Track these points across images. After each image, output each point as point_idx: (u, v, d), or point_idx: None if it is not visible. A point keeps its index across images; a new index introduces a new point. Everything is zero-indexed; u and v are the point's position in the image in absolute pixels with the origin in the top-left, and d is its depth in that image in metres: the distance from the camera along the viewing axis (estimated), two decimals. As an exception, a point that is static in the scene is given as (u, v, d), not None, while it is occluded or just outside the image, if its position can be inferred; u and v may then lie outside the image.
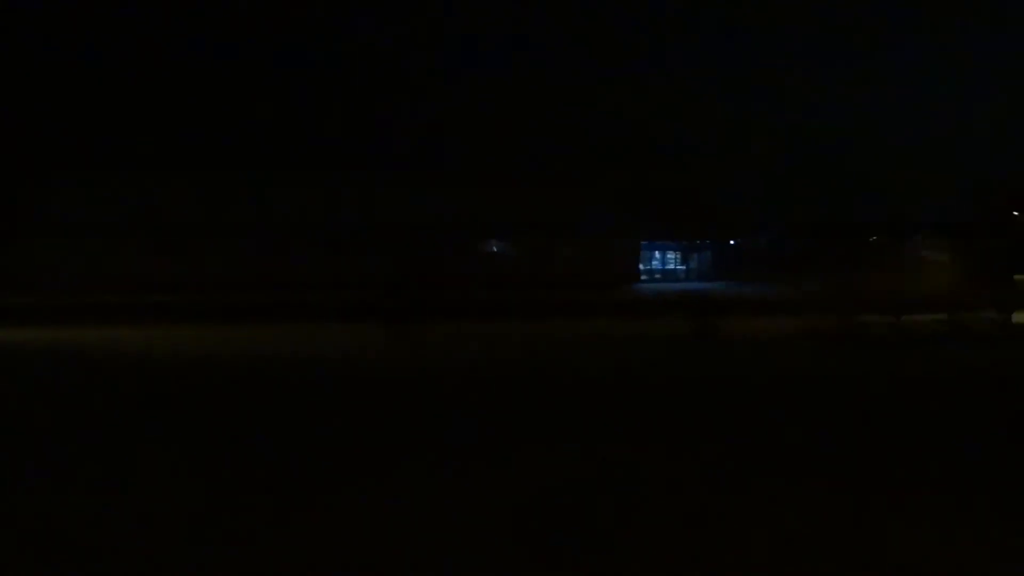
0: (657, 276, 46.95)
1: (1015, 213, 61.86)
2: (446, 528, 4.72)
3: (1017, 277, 20.43)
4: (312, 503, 5.30)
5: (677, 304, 19.32)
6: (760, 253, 55.97)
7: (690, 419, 8.08)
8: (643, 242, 47.57)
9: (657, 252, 50.40)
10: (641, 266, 47.78)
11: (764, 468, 6.14)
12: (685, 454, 6.57)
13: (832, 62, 66.74)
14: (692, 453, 6.61)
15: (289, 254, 37.89)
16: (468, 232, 41.66)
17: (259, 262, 36.71)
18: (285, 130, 44.27)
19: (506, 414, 8.33)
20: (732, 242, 55.72)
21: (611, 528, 4.70)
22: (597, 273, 40.82)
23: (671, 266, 49.19)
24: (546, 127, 50.68)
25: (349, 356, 13.77)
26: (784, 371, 11.63)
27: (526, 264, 40.70)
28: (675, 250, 50.77)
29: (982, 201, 51.78)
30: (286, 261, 37.35)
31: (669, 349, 14.38)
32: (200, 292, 27.64)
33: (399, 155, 44.77)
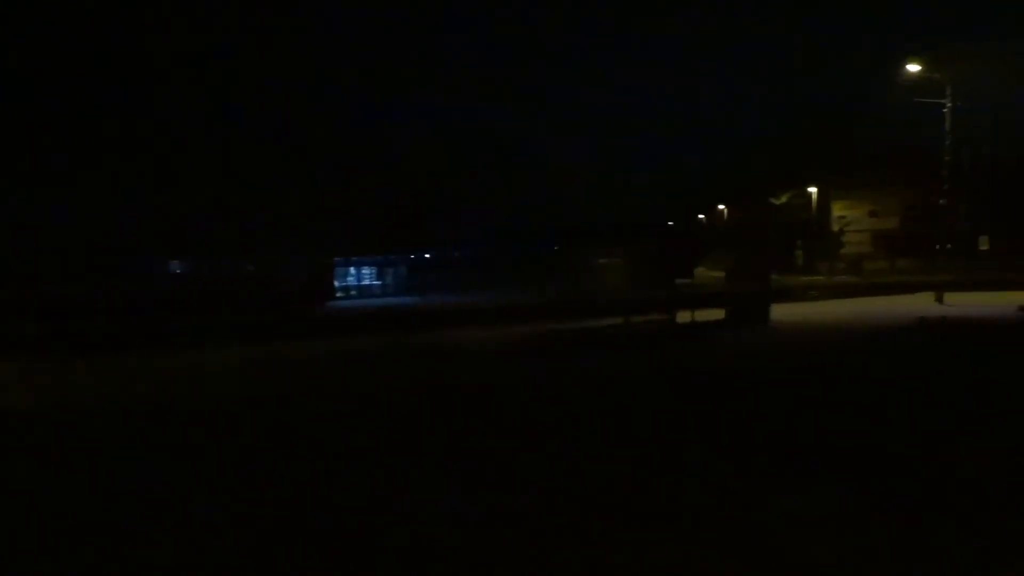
0: (353, 292, 46.10)
1: (700, 216, 69.69)
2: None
3: (681, 281, 22.40)
4: None
5: (369, 320, 18.59)
6: (454, 265, 57.29)
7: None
8: (337, 258, 46.52)
9: (352, 268, 49.62)
10: (336, 282, 46.65)
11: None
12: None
13: (528, 74, 70.54)
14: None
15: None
16: (140, 249, 37.59)
17: None
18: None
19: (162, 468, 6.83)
20: (427, 256, 56.47)
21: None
22: (290, 291, 38.95)
23: (367, 281, 48.65)
24: (237, 138, 47.53)
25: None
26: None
27: (210, 283, 37.57)
28: (371, 265, 50.32)
29: (669, 204, 57.61)
30: None
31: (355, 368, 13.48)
32: None
33: (49, 163, 39.08)
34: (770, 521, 4.97)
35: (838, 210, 55.93)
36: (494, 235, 57.07)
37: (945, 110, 26.60)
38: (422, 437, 7.76)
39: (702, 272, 39.13)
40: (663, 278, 24.41)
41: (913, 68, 27.41)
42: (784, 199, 56.61)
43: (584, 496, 5.61)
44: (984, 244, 39.75)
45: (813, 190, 56.17)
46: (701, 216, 70.49)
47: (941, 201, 28.81)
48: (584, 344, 15.64)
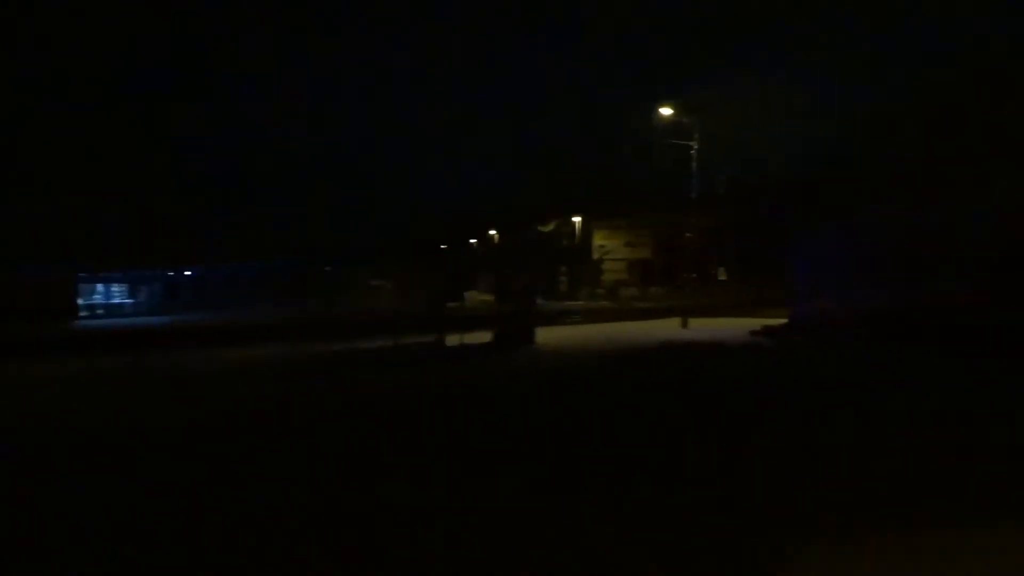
0: (100, 311, 42.05)
1: (473, 240, 70.68)
2: None
3: (452, 304, 22.50)
4: None
5: (100, 341, 16.96)
6: (218, 282, 54.13)
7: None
8: (82, 273, 42.28)
9: (100, 284, 45.39)
10: (81, 300, 42.35)
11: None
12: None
13: (302, 90, 67.78)
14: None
15: None
16: None
17: None
18: None
19: None
20: (188, 272, 52.94)
21: None
22: (21, 308, 34.78)
23: (117, 299, 44.66)
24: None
25: None
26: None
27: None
28: (122, 282, 46.32)
29: (443, 228, 57.85)
30: None
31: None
32: None
33: None
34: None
35: (599, 239, 59.55)
36: (264, 252, 54.66)
37: (692, 151, 29.09)
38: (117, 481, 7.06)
39: (473, 295, 39.90)
40: (435, 300, 24.54)
41: (666, 111, 29.81)
42: (551, 227, 59.35)
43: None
44: (722, 275, 43.98)
45: (578, 219, 59.43)
46: (473, 240, 72.05)
47: (688, 235, 31.46)
48: (346, 367, 15.25)
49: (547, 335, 21.03)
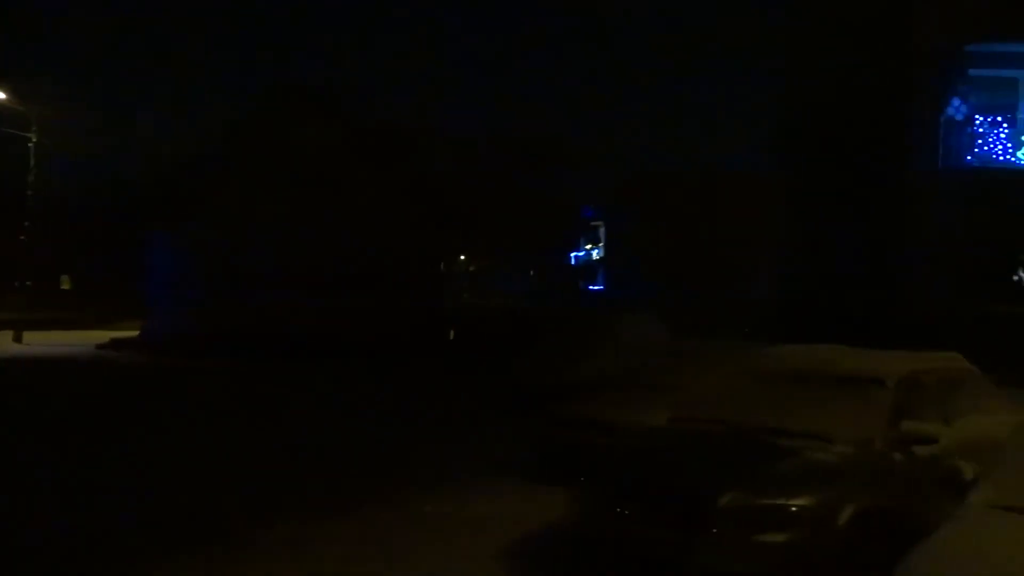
0: None
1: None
2: None
3: None
4: None
5: None
6: None
7: None
8: None
9: None
10: None
11: None
12: None
13: None
14: None
15: None
16: None
17: None
18: None
19: None
20: None
21: None
22: None
23: None
24: None
25: None
26: None
27: None
28: None
29: None
30: None
31: None
32: None
33: None
34: None
35: None
36: None
37: (31, 144, 25.90)
38: None
39: None
40: None
41: (-1, 95, 25.88)
42: None
43: None
44: (66, 283, 40.30)
45: None
46: None
47: (23, 237, 27.74)
48: None
49: None
